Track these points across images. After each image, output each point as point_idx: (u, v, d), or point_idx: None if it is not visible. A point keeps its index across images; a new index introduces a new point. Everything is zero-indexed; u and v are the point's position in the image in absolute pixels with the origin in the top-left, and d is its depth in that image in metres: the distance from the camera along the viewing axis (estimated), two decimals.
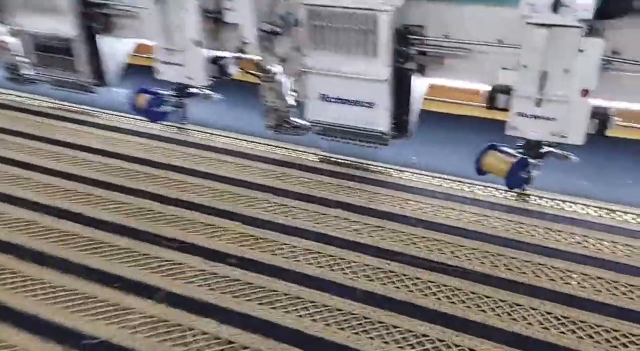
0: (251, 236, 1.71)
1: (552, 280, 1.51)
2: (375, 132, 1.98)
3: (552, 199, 1.86)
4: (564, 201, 1.85)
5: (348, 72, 1.95)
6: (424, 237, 1.68)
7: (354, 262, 1.59)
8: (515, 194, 1.89)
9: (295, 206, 1.85)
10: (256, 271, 1.57)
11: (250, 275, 1.55)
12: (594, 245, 1.64)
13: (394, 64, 1.90)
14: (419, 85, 2.01)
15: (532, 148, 1.86)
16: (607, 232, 1.70)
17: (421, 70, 1.96)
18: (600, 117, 1.75)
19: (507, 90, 1.82)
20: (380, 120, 1.96)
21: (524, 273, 1.54)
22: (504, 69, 1.82)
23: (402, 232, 1.71)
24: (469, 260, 1.59)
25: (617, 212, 1.79)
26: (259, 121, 2.22)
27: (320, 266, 1.58)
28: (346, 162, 2.13)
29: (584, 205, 1.83)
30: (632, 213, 1.77)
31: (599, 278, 1.52)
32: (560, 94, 1.73)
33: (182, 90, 2.34)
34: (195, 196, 1.92)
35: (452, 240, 1.68)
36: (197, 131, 2.41)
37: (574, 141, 1.77)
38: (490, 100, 1.86)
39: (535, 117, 1.79)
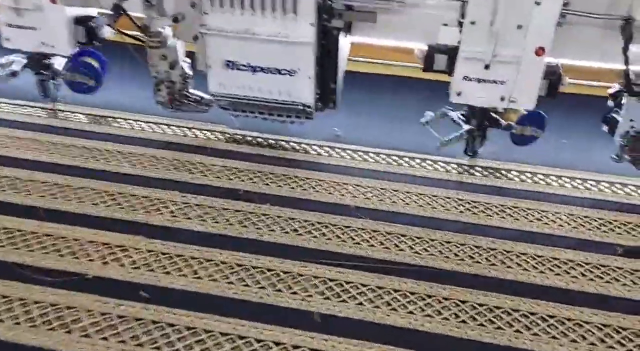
0: (163, 254, 1.36)
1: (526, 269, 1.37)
2: (297, 104, 1.68)
3: (505, 170, 1.71)
4: (522, 171, 1.71)
5: (261, 34, 1.61)
6: (375, 231, 1.45)
7: (301, 275, 1.33)
8: (462, 167, 1.72)
9: (209, 205, 1.52)
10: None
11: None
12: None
13: (318, 22, 1.59)
14: (345, 46, 1.72)
15: (477, 116, 1.67)
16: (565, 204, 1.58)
17: (348, 28, 1.67)
18: (551, 77, 1.59)
19: (448, 51, 1.61)
20: (304, 90, 1.65)
21: (494, 265, 1.37)
22: (445, 25, 1.60)
23: (349, 228, 1.46)
24: (432, 255, 1.38)
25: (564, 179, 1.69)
26: (148, 96, 1.81)
27: (261, 288, 1.29)
28: (263, 141, 1.81)
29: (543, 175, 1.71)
30: (577, 179, 1.68)
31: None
32: (512, 54, 1.54)
33: (38, 62, 1.85)
34: (76, 203, 1.51)
35: (406, 231, 1.46)
36: (71, 113, 1.93)
37: (525, 106, 1.60)
38: (428, 62, 1.63)
39: (483, 80, 1.59)
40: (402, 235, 1.43)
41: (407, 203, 1.55)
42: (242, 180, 1.62)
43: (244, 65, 1.65)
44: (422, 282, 1.30)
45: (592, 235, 1.46)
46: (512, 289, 1.30)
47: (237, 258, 1.34)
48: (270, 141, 1.79)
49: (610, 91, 1.59)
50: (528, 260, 1.37)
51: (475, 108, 1.64)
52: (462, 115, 1.69)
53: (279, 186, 1.59)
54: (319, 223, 1.46)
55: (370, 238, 1.42)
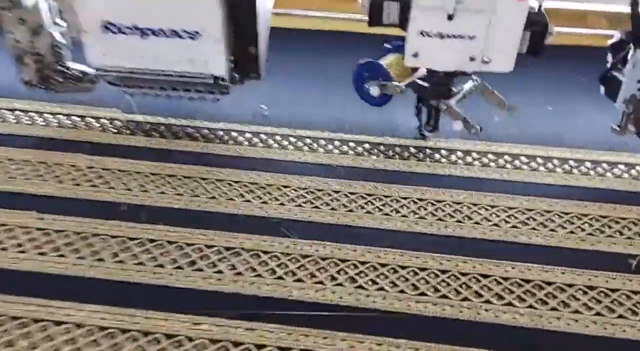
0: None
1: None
2: (205, 76, 1.29)
3: (463, 151, 1.34)
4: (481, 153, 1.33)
5: None
6: (307, 259, 1.09)
7: (191, 341, 0.95)
8: (421, 152, 1.36)
9: (76, 231, 1.09)
10: None
11: None
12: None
13: None
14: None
15: (440, 84, 1.31)
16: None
17: None
18: (534, 27, 1.23)
19: None
20: (212, 57, 1.25)
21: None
22: None
23: (269, 254, 1.09)
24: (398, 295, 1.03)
25: (554, 161, 1.34)
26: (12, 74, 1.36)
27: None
28: (165, 128, 1.39)
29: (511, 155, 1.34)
30: (570, 160, 1.34)
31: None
32: None
33: None
34: None
35: (357, 255, 1.09)
36: None
37: (502, 68, 1.25)
38: (375, 13, 1.25)
39: (446, 36, 1.23)
40: (344, 261, 1.08)
41: (359, 213, 1.18)
42: (129, 189, 1.19)
43: (129, 28, 1.24)
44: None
45: (592, 244, 1.12)
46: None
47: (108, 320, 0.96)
48: (174, 128, 1.38)
49: (611, 42, 1.24)
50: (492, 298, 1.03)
51: (435, 75, 1.27)
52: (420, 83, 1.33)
53: (179, 194, 1.18)
54: (227, 249, 1.07)
55: (299, 267, 1.04)
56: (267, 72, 1.32)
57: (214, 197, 1.17)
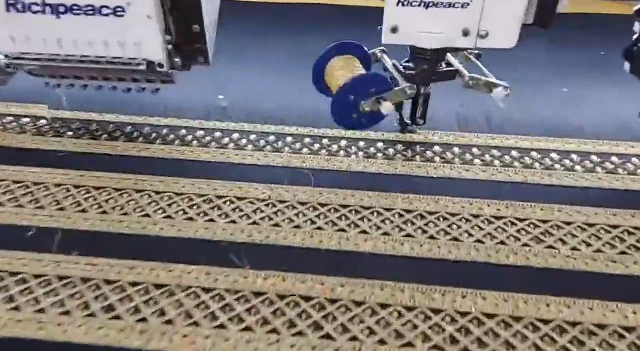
0: None
1: None
2: (138, 62, 1.05)
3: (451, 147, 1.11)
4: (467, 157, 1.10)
5: None
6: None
7: None
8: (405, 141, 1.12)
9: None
10: None
11: None
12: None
13: None
14: None
15: (428, 65, 1.07)
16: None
17: None
18: None
19: None
20: (145, 38, 1.02)
21: None
22: None
23: (233, 292, 0.84)
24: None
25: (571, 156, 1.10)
26: None
27: None
28: (98, 128, 1.15)
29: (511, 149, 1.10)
30: (592, 154, 1.10)
31: None
32: None
33: None
34: None
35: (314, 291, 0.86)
36: None
37: (503, 43, 1.01)
38: None
39: (431, 4, 0.98)
40: (308, 298, 0.85)
41: (329, 231, 0.95)
42: (41, 207, 0.95)
43: (36, 4, 1.01)
44: None
45: (627, 266, 0.88)
46: None
47: None
48: (110, 126, 1.15)
49: (638, 8, 1.00)
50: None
51: (423, 53, 1.03)
52: (406, 64, 1.08)
53: (103, 212, 0.95)
54: (157, 286, 0.83)
55: (248, 310, 0.82)
56: (225, 55, 1.09)
57: (147, 215, 0.94)
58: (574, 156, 1.08)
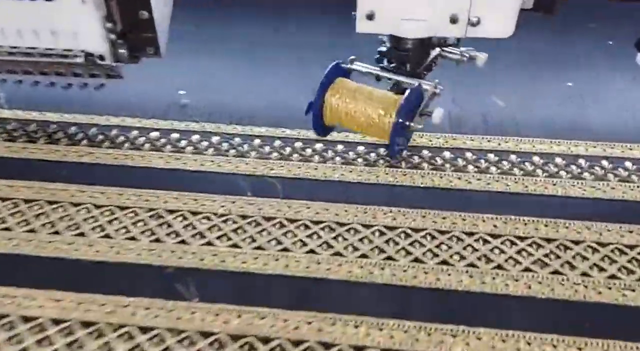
0: None
1: None
2: (76, 54, 0.90)
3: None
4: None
5: None
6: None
7: None
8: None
9: None
10: None
11: None
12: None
13: None
14: None
15: (411, 58, 0.93)
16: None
17: None
18: None
19: None
20: (83, 27, 0.88)
21: None
22: None
23: (177, 332, 0.70)
24: None
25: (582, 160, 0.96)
26: None
27: None
28: (38, 129, 1.00)
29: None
30: (605, 159, 0.96)
31: None
32: None
33: None
34: None
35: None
36: None
37: (497, 32, 0.86)
38: None
39: None
40: (266, 340, 0.71)
41: (299, 253, 0.82)
42: None
43: None
44: None
45: None
46: None
47: None
48: (51, 127, 1.00)
49: None
50: None
51: (403, 44, 0.89)
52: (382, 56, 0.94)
53: (32, 232, 0.80)
54: (85, 324, 0.69)
55: None
56: (187, 46, 0.95)
57: (82, 234, 0.80)
58: (581, 161, 0.95)
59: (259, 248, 0.79)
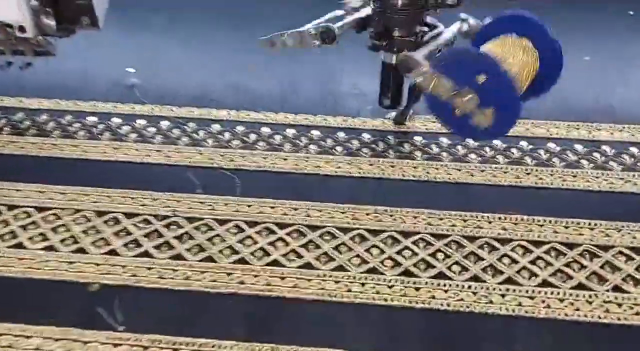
0: None
1: None
2: None
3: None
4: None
5: None
6: None
7: None
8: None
9: None
10: None
11: None
12: None
13: None
14: None
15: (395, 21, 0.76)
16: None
17: None
18: None
19: None
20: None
21: None
22: None
23: None
24: None
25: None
26: None
27: None
28: None
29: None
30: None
31: None
32: None
33: None
34: None
35: None
36: None
37: None
38: None
39: None
40: None
41: (257, 265, 0.66)
42: None
43: None
44: None
45: None
46: None
47: None
48: None
49: None
50: None
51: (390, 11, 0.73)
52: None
53: None
54: None
55: None
56: (138, 19, 0.80)
57: None
58: (605, 148, 0.79)
59: (208, 259, 0.63)
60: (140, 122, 0.83)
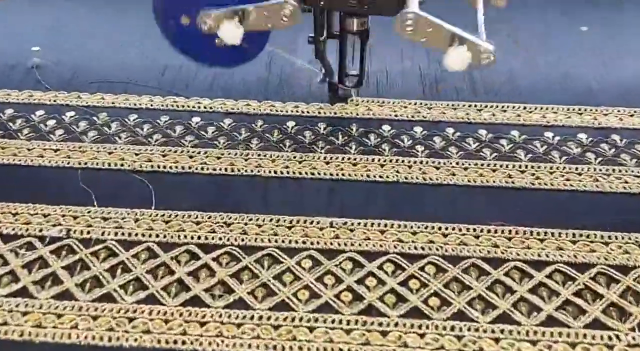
0: None
1: None
2: None
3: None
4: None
5: None
6: None
7: None
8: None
9: None
10: None
11: None
12: None
13: None
14: None
15: None
16: None
17: None
18: None
19: None
20: None
21: None
22: None
23: None
24: None
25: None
26: None
27: None
28: None
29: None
30: None
31: None
32: None
33: None
34: None
35: None
36: None
37: None
38: None
39: None
40: None
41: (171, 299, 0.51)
42: None
43: None
44: None
45: None
46: None
47: None
48: None
49: None
50: None
51: None
52: None
53: None
54: None
55: None
56: None
57: None
58: (615, 137, 0.65)
59: (105, 297, 0.48)
60: (39, 114, 0.66)
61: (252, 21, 0.54)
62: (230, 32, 0.53)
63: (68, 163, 0.60)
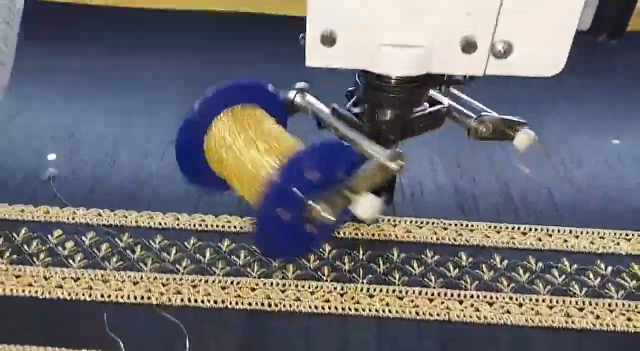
0: None
1: None
2: None
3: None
4: None
5: None
6: None
7: None
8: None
9: None
10: None
11: None
12: None
13: None
14: None
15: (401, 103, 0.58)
16: None
17: None
18: None
19: None
20: None
21: None
22: None
23: None
24: None
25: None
26: None
27: None
28: None
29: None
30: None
31: None
32: None
33: None
34: None
35: None
36: None
37: (540, 68, 0.53)
38: None
39: None
40: None
41: None
42: None
43: None
44: None
45: None
46: None
47: None
48: None
49: None
50: None
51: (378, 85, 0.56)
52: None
53: None
54: None
55: None
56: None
57: None
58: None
59: None
60: (56, 234, 0.62)
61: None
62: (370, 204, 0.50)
63: (89, 295, 0.56)
